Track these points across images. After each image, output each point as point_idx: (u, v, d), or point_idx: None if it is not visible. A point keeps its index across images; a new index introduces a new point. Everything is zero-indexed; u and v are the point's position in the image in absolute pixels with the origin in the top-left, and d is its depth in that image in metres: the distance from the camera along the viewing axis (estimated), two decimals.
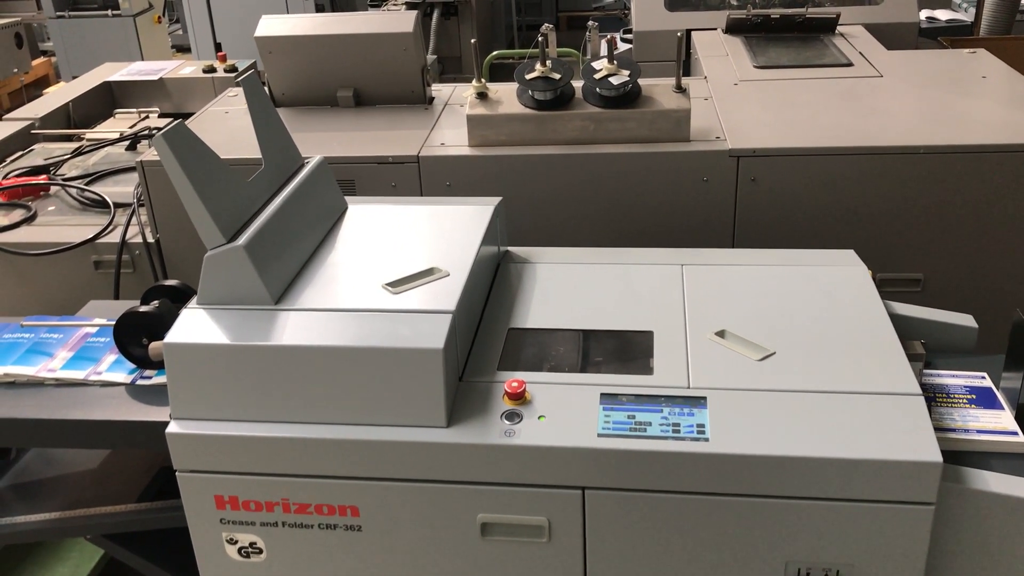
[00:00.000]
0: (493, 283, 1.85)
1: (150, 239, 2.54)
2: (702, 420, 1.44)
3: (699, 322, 1.67)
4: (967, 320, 1.84)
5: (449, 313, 1.51)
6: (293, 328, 1.50)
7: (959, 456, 1.49)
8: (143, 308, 1.74)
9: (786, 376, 1.51)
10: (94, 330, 1.89)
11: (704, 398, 1.48)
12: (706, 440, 1.40)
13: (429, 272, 1.63)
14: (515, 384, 1.49)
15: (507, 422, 1.46)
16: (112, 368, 1.77)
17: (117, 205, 2.70)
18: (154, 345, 1.65)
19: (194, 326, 1.51)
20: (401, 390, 1.45)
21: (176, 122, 1.50)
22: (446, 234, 1.78)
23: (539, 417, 1.46)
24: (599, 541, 1.48)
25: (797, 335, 1.62)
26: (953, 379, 1.70)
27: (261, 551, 1.58)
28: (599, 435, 1.43)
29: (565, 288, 1.81)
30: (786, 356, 1.56)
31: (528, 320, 1.71)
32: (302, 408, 1.48)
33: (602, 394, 1.50)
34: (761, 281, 1.79)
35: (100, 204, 2.75)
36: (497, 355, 1.61)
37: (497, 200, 1.92)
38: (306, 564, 1.58)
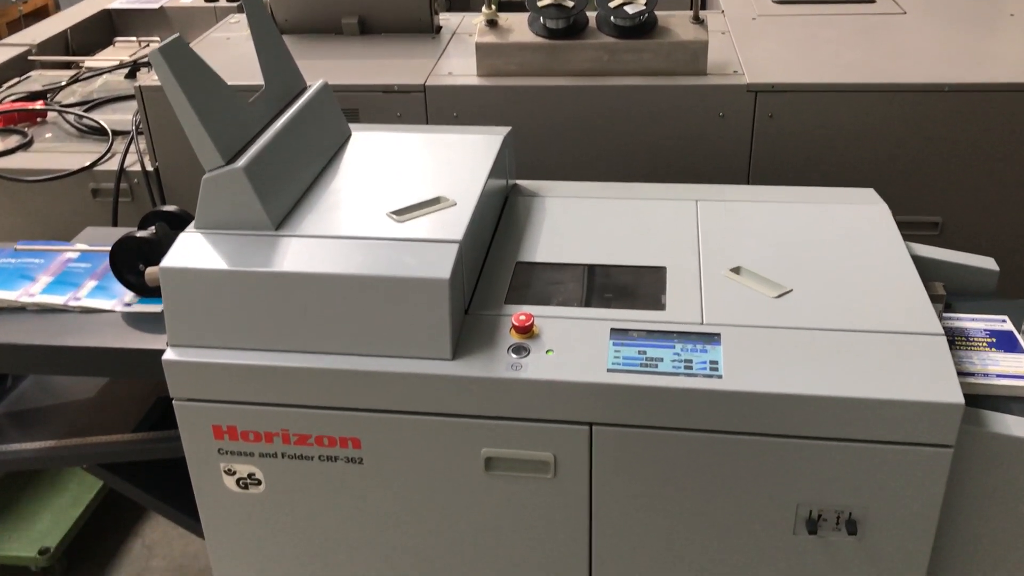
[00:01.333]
0: (501, 216, 1.79)
1: (149, 168, 2.48)
2: (715, 357, 1.39)
3: (714, 258, 1.61)
4: (988, 263, 1.78)
5: (456, 243, 1.45)
6: (294, 255, 1.44)
7: (977, 400, 1.45)
8: (140, 233, 1.69)
9: (803, 314, 1.46)
10: (75, 255, 1.83)
11: (718, 335, 1.43)
12: (719, 377, 1.36)
13: (435, 201, 1.57)
14: (523, 317, 1.44)
15: (514, 356, 1.41)
16: (93, 294, 1.72)
17: (116, 133, 2.63)
18: (150, 270, 1.60)
19: (191, 250, 1.46)
20: (405, 321, 1.41)
21: (174, 36, 1.43)
22: (453, 163, 1.71)
23: (547, 351, 1.42)
24: (605, 478, 1.44)
25: (815, 273, 1.56)
26: (973, 323, 1.65)
27: (260, 482, 1.54)
28: (608, 370, 1.38)
29: (575, 222, 1.75)
30: (803, 294, 1.51)
31: (537, 254, 1.66)
32: (303, 337, 1.44)
33: (612, 329, 1.45)
34: (778, 218, 1.73)
35: (98, 131, 2.68)
36: (504, 289, 1.56)
37: (506, 130, 1.85)
38: (305, 496, 1.54)
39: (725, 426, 1.37)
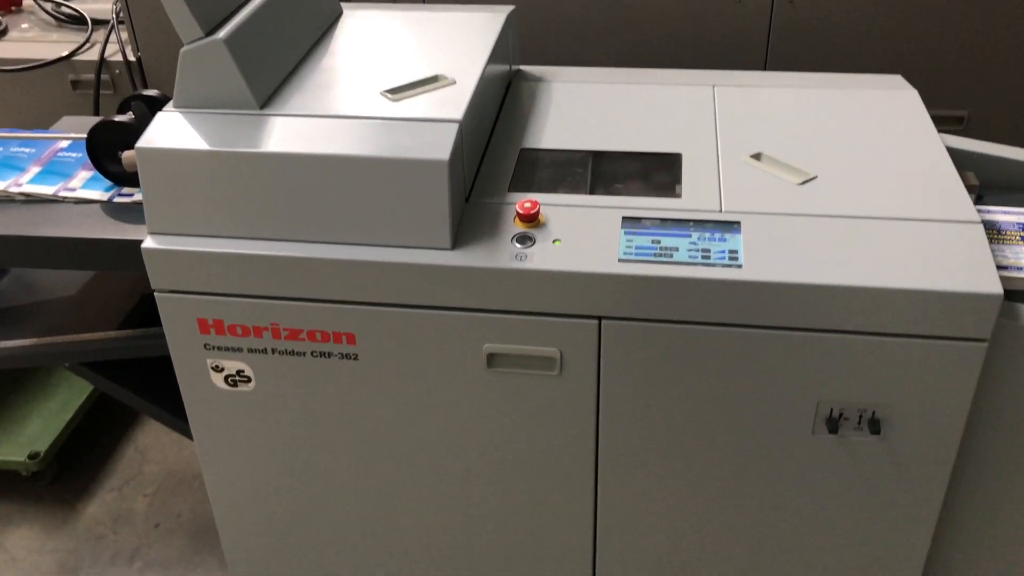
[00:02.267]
0: (504, 102, 1.67)
1: (131, 57, 2.34)
2: (735, 246, 1.29)
3: (732, 145, 1.50)
4: (1021, 154, 1.67)
5: (455, 122, 1.34)
6: (281, 135, 1.33)
7: (1011, 295, 1.35)
8: (118, 118, 1.57)
9: (829, 201, 1.36)
10: (66, 144, 1.73)
11: (738, 223, 1.33)
12: (739, 267, 1.26)
13: (433, 79, 1.46)
14: (528, 205, 1.34)
15: (518, 245, 1.32)
16: (87, 185, 1.62)
17: (96, 22, 2.49)
18: (127, 154, 1.49)
19: (170, 130, 1.35)
20: (402, 206, 1.30)
21: None
22: (452, 42, 1.59)
23: (554, 241, 1.32)
24: (614, 375, 1.36)
25: (841, 159, 1.45)
26: (1006, 215, 1.55)
27: (249, 379, 1.46)
28: (620, 260, 1.29)
29: (583, 108, 1.63)
30: (829, 180, 1.40)
31: (542, 140, 1.55)
32: (292, 224, 1.34)
33: (624, 217, 1.35)
34: (801, 103, 1.61)
35: (77, 20, 2.53)
36: (508, 176, 1.46)
37: (509, 8, 1.72)
38: (297, 394, 1.47)
39: (744, 319, 1.28)
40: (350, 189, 1.30)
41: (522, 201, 1.35)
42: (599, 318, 1.32)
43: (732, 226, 1.33)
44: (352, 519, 1.60)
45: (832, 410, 1.34)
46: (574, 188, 1.43)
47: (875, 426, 1.33)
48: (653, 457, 1.43)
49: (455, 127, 1.33)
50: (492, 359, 1.38)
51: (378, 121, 1.36)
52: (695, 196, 1.39)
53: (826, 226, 1.31)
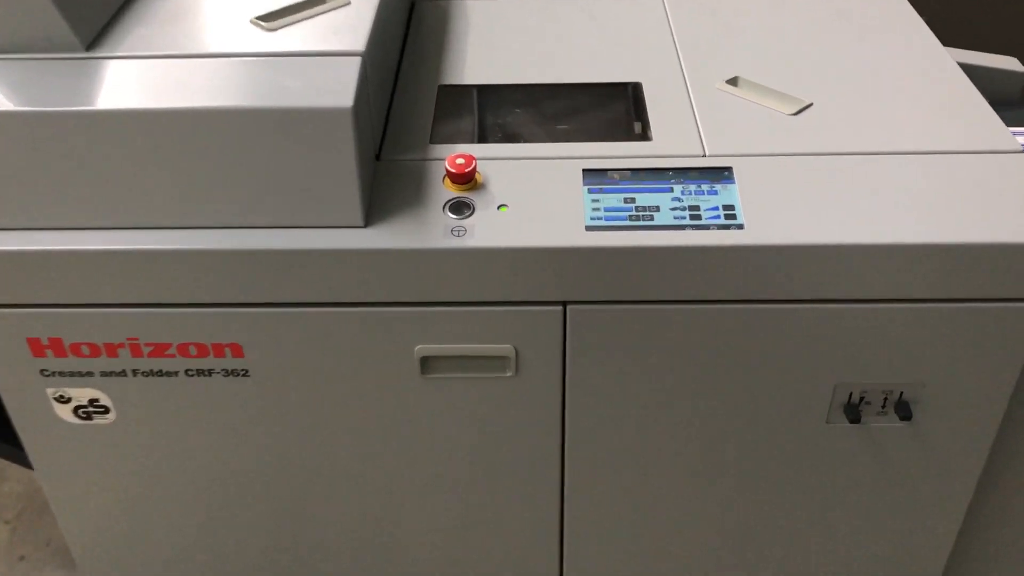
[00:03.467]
0: (408, 30, 1.33)
1: None
2: (730, 199, 1.01)
3: (701, 69, 1.21)
4: (1012, 64, 1.44)
5: (357, 56, 1.01)
6: (117, 84, 0.97)
7: None
8: None
9: (834, 134, 1.09)
10: None
11: (729, 168, 1.04)
12: (739, 228, 0.98)
13: (318, 0, 1.11)
14: (461, 161, 1.02)
15: (453, 216, 1.00)
16: None
17: None
18: None
19: None
20: (292, 174, 0.97)
21: None
22: None
23: (499, 207, 1.01)
24: (585, 373, 1.08)
25: (835, 81, 1.18)
26: None
27: (107, 410, 1.12)
28: (587, 228, 0.99)
29: (509, 31, 1.31)
30: (828, 108, 1.13)
31: (466, 74, 1.22)
32: (144, 207, 0.99)
33: (585, 170, 1.05)
34: (773, 13, 1.33)
35: None
36: (428, 123, 1.13)
37: None
38: (172, 425, 1.13)
39: (748, 293, 1.01)
40: (219, 155, 0.96)
41: (453, 156, 1.03)
42: (564, 303, 1.02)
43: (722, 173, 1.04)
44: (252, 555, 1.29)
45: (852, 394, 1.09)
46: (516, 134, 1.12)
47: (904, 410, 1.08)
48: (632, 466, 1.16)
49: (356, 62, 0.99)
50: (427, 364, 1.07)
51: (250, 59, 1.01)
52: (670, 137, 1.09)
53: (836, 167, 1.04)
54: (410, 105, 1.16)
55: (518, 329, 1.04)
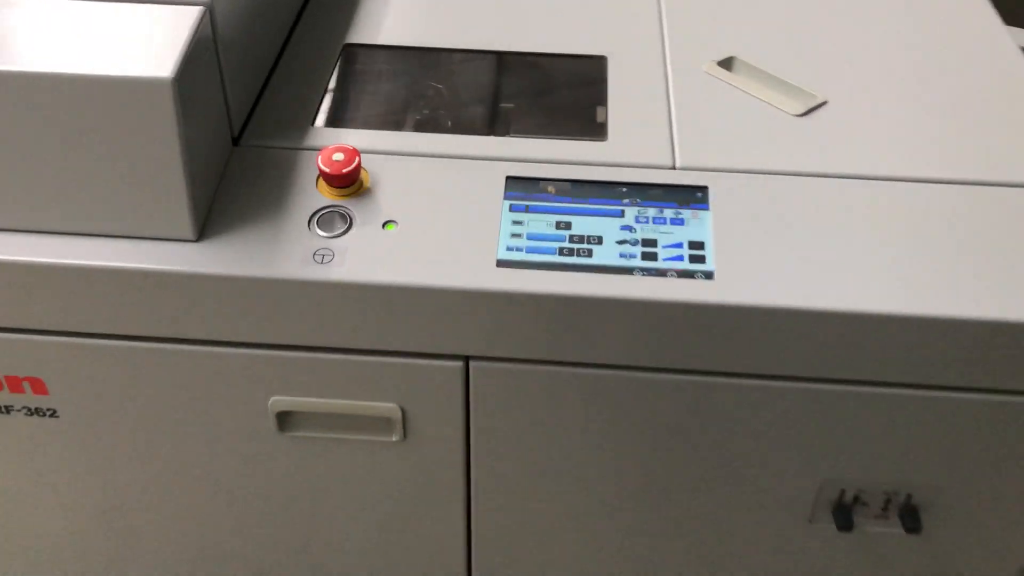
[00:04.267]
0: None
1: None
2: (699, 234, 0.74)
3: (688, 41, 0.93)
4: None
5: (199, 6, 0.73)
6: None
7: None
8: None
9: (851, 148, 0.81)
10: None
11: (704, 189, 0.77)
12: (708, 276, 0.71)
13: None
14: (339, 157, 0.75)
15: (321, 233, 0.74)
16: None
17: None
18: None
19: None
20: (98, 165, 0.70)
21: None
22: None
23: (384, 224, 0.75)
24: (495, 444, 0.82)
25: (860, 69, 0.90)
26: None
27: None
28: (500, 262, 0.72)
29: None
30: (847, 109, 0.85)
31: (381, 31, 0.95)
32: None
33: (510, 177, 0.78)
34: None
35: None
36: (316, 97, 0.86)
37: None
38: None
39: (716, 363, 0.74)
40: (2, 134, 0.69)
41: (329, 150, 0.76)
42: (465, 359, 0.76)
43: (694, 195, 0.77)
44: None
45: (844, 492, 0.83)
46: (424, 121, 0.85)
47: (912, 520, 0.82)
48: (553, 554, 0.91)
49: (194, 15, 0.72)
50: (287, 420, 0.81)
51: (58, 4, 0.74)
52: (631, 137, 0.82)
53: (850, 198, 0.77)
54: (300, 71, 0.89)
55: (404, 386, 0.78)
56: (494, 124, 0.86)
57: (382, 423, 0.81)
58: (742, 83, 0.87)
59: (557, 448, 0.82)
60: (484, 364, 0.76)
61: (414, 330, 0.74)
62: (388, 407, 0.79)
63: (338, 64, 0.90)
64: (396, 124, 0.85)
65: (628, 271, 0.72)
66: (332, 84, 0.88)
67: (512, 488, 0.85)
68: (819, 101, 0.86)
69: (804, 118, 0.84)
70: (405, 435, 0.81)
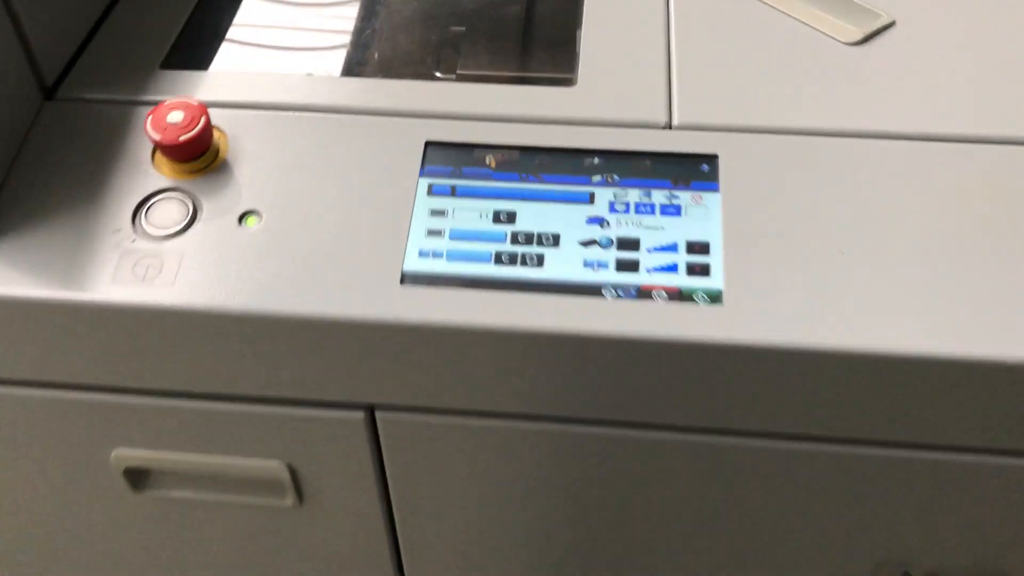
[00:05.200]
0: None
1: None
2: (704, 230, 0.50)
3: None
4: None
5: None
6: None
7: None
8: None
9: (927, 95, 0.56)
10: None
11: (711, 158, 0.53)
12: (715, 298, 0.48)
13: None
14: (178, 116, 0.52)
15: (151, 230, 0.51)
16: None
17: None
18: None
19: None
20: None
21: None
22: None
23: (242, 217, 0.51)
24: (418, 502, 0.60)
25: None
26: None
27: None
28: (407, 276, 0.49)
29: None
30: (922, 31, 0.60)
31: None
32: None
33: (430, 144, 0.54)
34: None
35: None
36: (170, 28, 0.62)
37: None
38: None
39: (724, 420, 0.51)
40: None
41: (164, 107, 0.52)
42: (369, 408, 0.54)
43: (696, 168, 0.52)
44: None
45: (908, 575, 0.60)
46: (319, 60, 0.61)
47: None
48: None
49: None
50: (140, 478, 0.60)
51: None
52: (609, 80, 0.57)
53: (921, 167, 0.52)
54: None
55: (291, 440, 0.56)
56: (414, 63, 0.61)
57: (268, 485, 0.59)
58: (778, 1, 0.62)
59: (501, 513, 0.60)
60: (393, 415, 0.53)
61: (291, 372, 0.51)
62: (271, 465, 0.57)
63: None
64: (278, 63, 0.62)
65: (595, 290, 0.48)
66: (193, 8, 0.63)
67: (448, 551, 0.64)
68: (883, 22, 0.60)
69: (861, 47, 0.59)
70: (301, 498, 0.59)
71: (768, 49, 0.58)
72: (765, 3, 0.61)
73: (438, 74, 0.64)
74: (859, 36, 0.59)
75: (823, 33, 0.59)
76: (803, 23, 0.60)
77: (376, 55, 0.64)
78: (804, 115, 0.54)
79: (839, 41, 0.59)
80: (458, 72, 0.64)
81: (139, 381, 0.53)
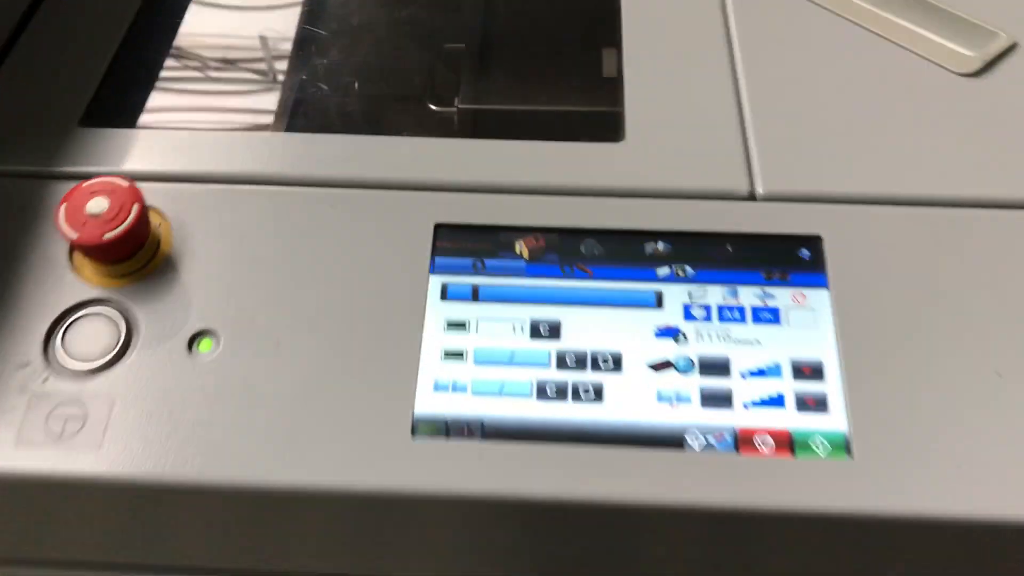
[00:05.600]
0: None
1: None
2: (812, 345, 0.37)
3: None
4: None
5: None
6: None
7: None
8: None
9: None
10: None
11: (813, 241, 0.40)
12: (836, 448, 0.35)
13: None
14: (101, 205, 0.38)
15: (71, 363, 0.37)
16: None
17: None
18: None
19: None
20: None
21: None
22: None
23: (194, 340, 0.38)
24: None
25: None
26: None
27: None
28: (419, 423, 0.36)
29: None
30: None
31: None
32: None
33: (440, 227, 0.41)
34: None
35: None
36: (96, 71, 0.48)
37: None
38: None
39: None
40: None
41: (84, 189, 0.39)
42: None
43: (793, 253, 0.40)
44: None
45: None
46: (299, 109, 0.48)
47: None
48: None
49: None
50: None
51: None
52: (665, 133, 0.44)
53: None
54: (64, 28, 0.51)
55: None
56: (422, 115, 0.48)
57: None
58: (865, 15, 0.49)
59: None
60: None
61: (267, 549, 0.39)
62: None
63: (139, 13, 0.52)
64: (241, 117, 0.48)
65: (676, 438, 0.36)
66: (119, 44, 0.50)
67: None
68: (1003, 44, 0.48)
69: (981, 79, 0.46)
70: None
71: (867, 86, 0.46)
72: (852, 21, 0.49)
73: (432, 106, 0.51)
74: (977, 64, 0.46)
75: (931, 61, 0.47)
76: (904, 48, 0.47)
77: (361, 104, 0.50)
78: (927, 177, 0.42)
79: (952, 72, 0.46)
80: (458, 106, 0.51)
81: (58, 553, 0.40)
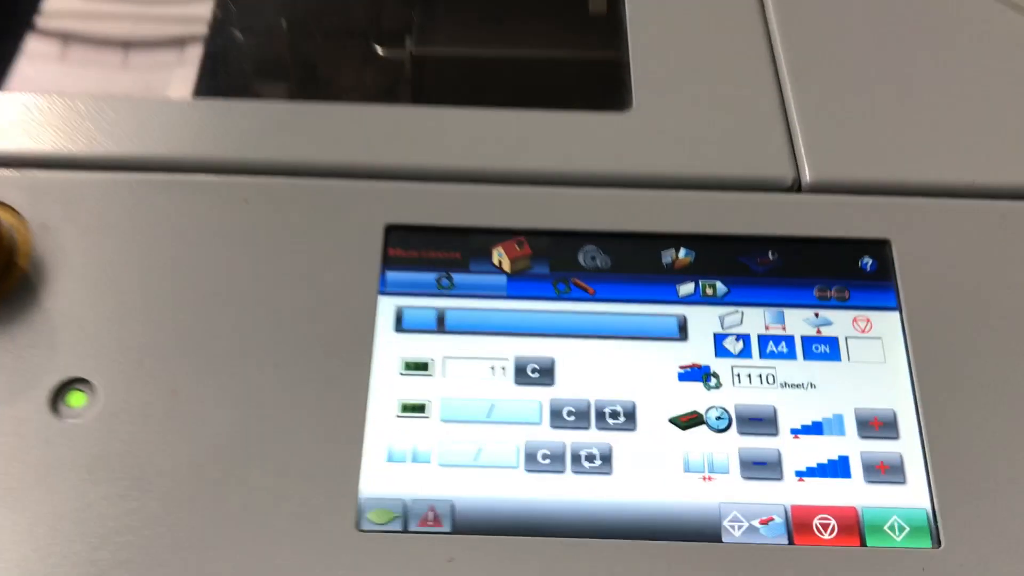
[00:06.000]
0: None
1: None
2: (884, 392, 0.29)
3: None
4: None
5: None
6: None
7: None
8: None
9: None
10: None
11: (880, 245, 0.31)
12: (919, 533, 0.27)
13: None
14: None
15: None
16: None
17: None
18: None
19: None
20: None
21: None
22: None
23: (60, 391, 0.28)
24: None
25: None
26: None
27: None
28: (365, 507, 0.27)
29: None
30: None
31: None
32: None
33: (391, 228, 0.31)
34: None
35: None
36: None
37: None
38: None
39: None
40: None
41: None
42: None
43: (851, 263, 0.31)
44: None
45: None
46: (211, 70, 0.37)
47: None
48: None
49: None
50: None
51: None
52: (683, 98, 0.34)
53: None
54: None
55: None
56: (366, 61, 0.38)
57: None
58: None
59: None
60: None
61: None
62: None
63: None
64: (131, 76, 0.37)
65: (710, 527, 0.27)
66: None
67: None
68: None
69: None
70: None
71: (945, 47, 0.36)
72: None
73: (379, 49, 0.41)
74: None
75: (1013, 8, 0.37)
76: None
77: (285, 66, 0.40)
78: (1016, 162, 0.33)
79: None
80: (412, 51, 0.41)
81: None
